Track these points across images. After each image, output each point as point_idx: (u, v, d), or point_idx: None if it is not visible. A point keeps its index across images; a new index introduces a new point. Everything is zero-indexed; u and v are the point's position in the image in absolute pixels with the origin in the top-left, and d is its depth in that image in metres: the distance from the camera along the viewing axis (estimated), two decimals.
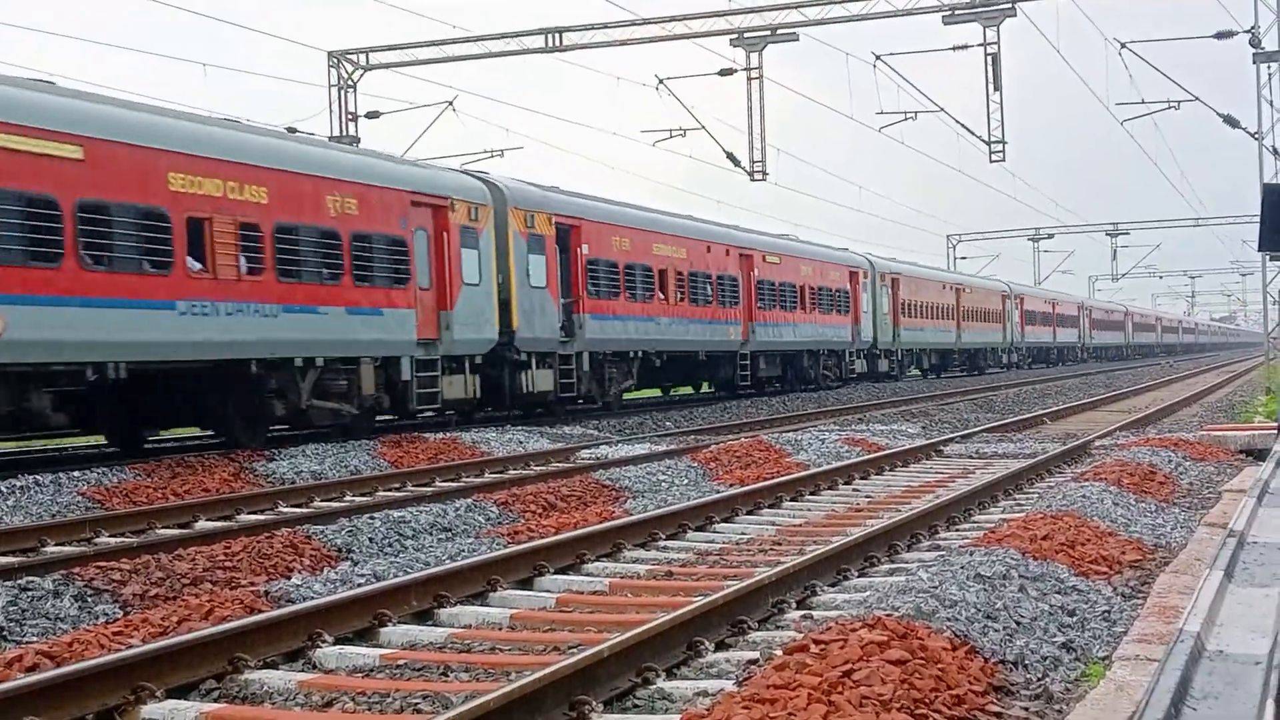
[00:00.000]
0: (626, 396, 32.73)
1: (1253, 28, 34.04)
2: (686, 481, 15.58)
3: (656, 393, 39.09)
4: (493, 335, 24.59)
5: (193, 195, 17.94)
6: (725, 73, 37.04)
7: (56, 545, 11.60)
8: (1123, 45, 36.68)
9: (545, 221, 26.70)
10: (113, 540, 11.82)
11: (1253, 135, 35.39)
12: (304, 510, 13.76)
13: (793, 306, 39.89)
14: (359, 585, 8.64)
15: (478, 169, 27.86)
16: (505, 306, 25.01)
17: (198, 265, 18.08)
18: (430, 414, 24.19)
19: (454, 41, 37.74)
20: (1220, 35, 35.40)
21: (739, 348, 36.15)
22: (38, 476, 15.12)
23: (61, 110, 16.48)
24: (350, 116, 39.04)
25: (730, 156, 37.63)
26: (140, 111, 18.21)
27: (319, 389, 20.67)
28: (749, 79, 36.70)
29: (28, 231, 15.64)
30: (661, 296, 31.42)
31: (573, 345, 27.57)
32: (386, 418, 24.49)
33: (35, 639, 7.67)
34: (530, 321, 25.82)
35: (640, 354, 30.89)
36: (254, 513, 13.79)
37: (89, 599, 8.65)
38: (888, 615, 6.48)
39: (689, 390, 39.52)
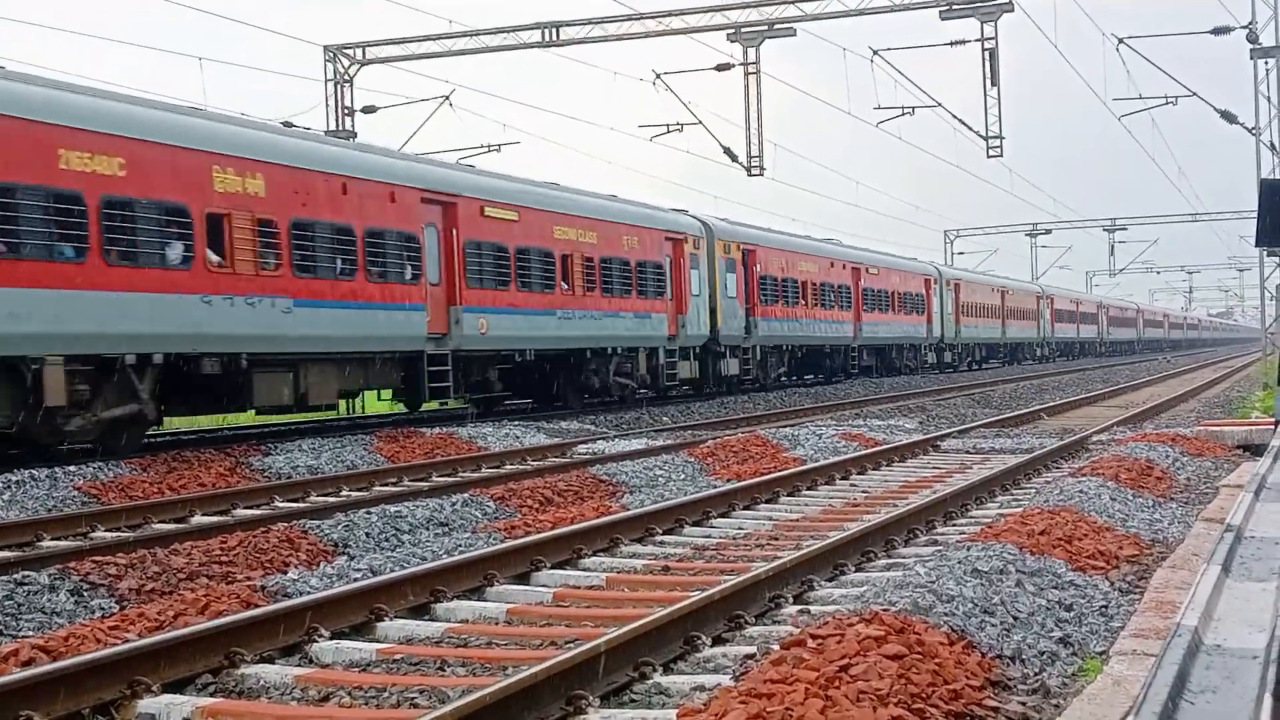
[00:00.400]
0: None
1: (1250, 23, 34.05)
2: (683, 477, 15.58)
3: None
4: (706, 333, 33.92)
5: (568, 241, 27.85)
6: (722, 68, 37.00)
7: (52, 540, 11.59)
8: (1120, 41, 36.69)
9: (735, 248, 36.34)
10: (109, 535, 11.82)
11: (1250, 130, 35.40)
12: (300, 505, 13.75)
13: (886, 309, 49.50)
14: (355, 580, 8.63)
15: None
16: (712, 312, 34.25)
17: (565, 285, 27.54)
18: (672, 387, 33.58)
19: (451, 36, 37.70)
20: (1218, 31, 35.39)
21: (850, 342, 45.70)
22: (33, 471, 15.10)
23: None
24: (347, 111, 39.01)
25: (728, 151, 37.62)
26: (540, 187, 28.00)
27: (617, 370, 30.23)
28: (746, 74, 36.68)
29: (499, 270, 25.21)
30: (803, 302, 40.97)
31: (750, 340, 36.72)
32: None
33: (31, 633, 7.64)
34: (727, 323, 35.17)
35: (790, 347, 40.48)
36: (250, 507, 13.78)
37: (85, 593, 8.64)
38: (885, 610, 6.48)
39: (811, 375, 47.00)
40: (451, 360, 23.76)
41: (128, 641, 6.84)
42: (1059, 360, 75.81)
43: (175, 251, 17.78)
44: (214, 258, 18.40)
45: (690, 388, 35.04)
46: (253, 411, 22.12)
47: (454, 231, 23.90)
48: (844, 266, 45.23)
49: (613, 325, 29.45)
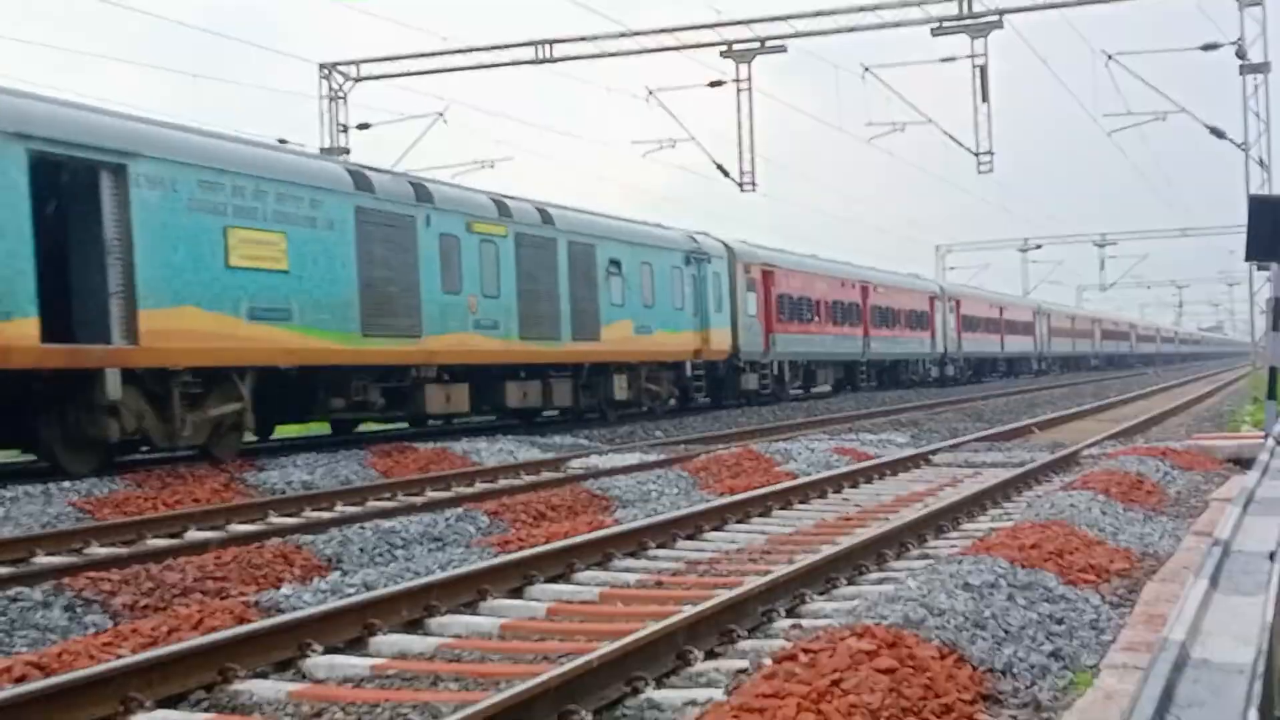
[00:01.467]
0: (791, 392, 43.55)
1: (1238, 39, 34.19)
2: (676, 491, 15.60)
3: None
4: (728, 348, 35.74)
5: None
6: (715, 84, 37.15)
7: (46, 556, 11.58)
8: (1110, 57, 36.83)
9: (755, 269, 38.39)
10: (103, 550, 11.82)
11: (1239, 146, 35.50)
12: (294, 520, 13.75)
13: (894, 325, 51.89)
14: (349, 595, 8.64)
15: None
16: (733, 329, 36.10)
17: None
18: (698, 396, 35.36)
19: (445, 53, 37.82)
20: (1206, 47, 35.53)
21: (859, 356, 48.04)
22: (28, 487, 15.09)
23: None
24: (341, 128, 39.08)
25: (720, 167, 37.75)
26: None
27: (648, 378, 31.71)
28: (738, 90, 36.84)
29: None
30: (817, 320, 43.52)
31: (768, 356, 38.70)
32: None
33: (24, 650, 7.65)
34: (747, 339, 37.08)
35: (805, 362, 42.61)
36: (244, 523, 13.78)
37: (78, 609, 8.64)
38: (876, 624, 6.50)
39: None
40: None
41: (121, 658, 6.85)
42: (1053, 374, 77.43)
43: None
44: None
45: (709, 398, 36.50)
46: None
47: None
48: (854, 285, 47.65)
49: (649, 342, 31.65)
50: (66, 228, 17.01)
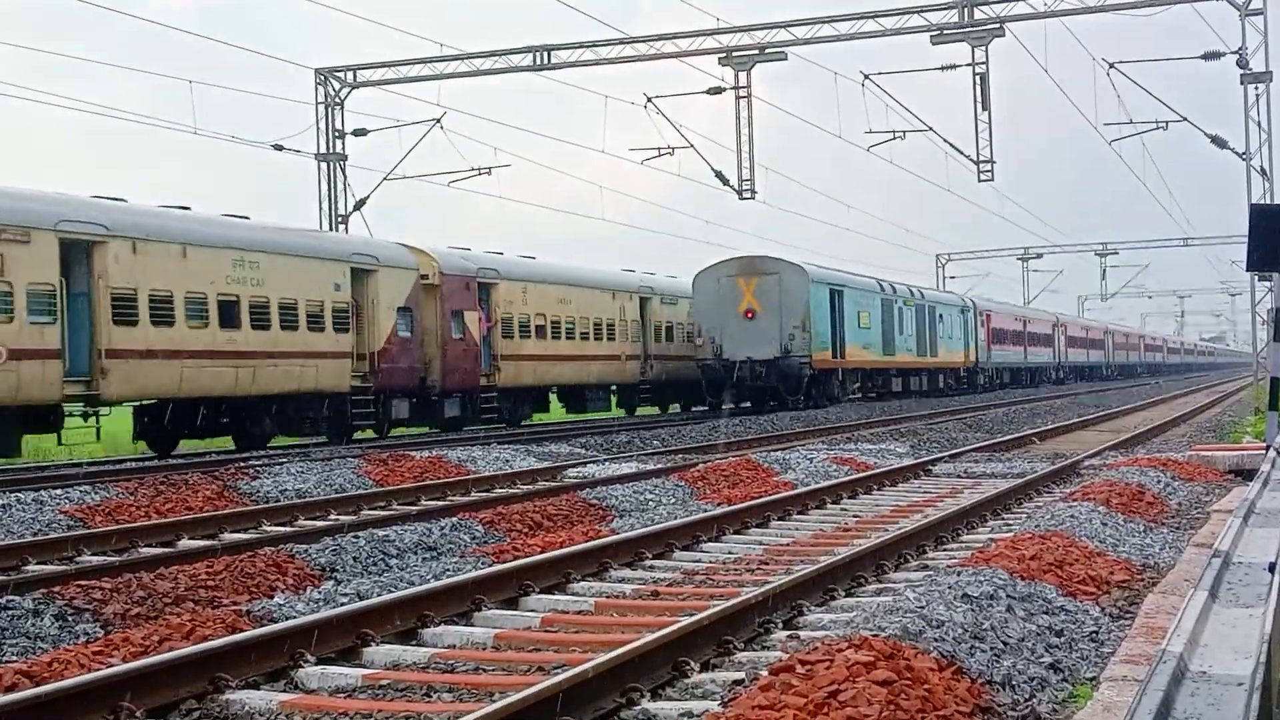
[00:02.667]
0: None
1: (1240, 49, 34.16)
2: (673, 500, 15.53)
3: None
4: (973, 361, 56.84)
5: None
6: (714, 91, 37.09)
7: (37, 564, 11.52)
8: (1111, 65, 36.80)
9: (984, 313, 59.79)
10: (94, 559, 11.75)
11: (1240, 156, 35.44)
12: (288, 529, 13.69)
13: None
14: (342, 605, 8.58)
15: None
16: (975, 349, 56.97)
17: None
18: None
19: (442, 59, 37.78)
20: (1208, 56, 35.51)
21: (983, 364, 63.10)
22: (19, 495, 15.03)
23: None
24: (338, 134, 39.04)
25: (719, 175, 37.68)
26: None
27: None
28: (737, 98, 36.77)
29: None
30: (1010, 343, 65.93)
31: (987, 364, 59.84)
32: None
33: (14, 658, 7.58)
34: (982, 356, 61.69)
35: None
36: (237, 531, 13.71)
37: (69, 618, 8.57)
38: (874, 635, 6.43)
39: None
40: None
41: (112, 667, 6.78)
42: (1069, 383, 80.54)
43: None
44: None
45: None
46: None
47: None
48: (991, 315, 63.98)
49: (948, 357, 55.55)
50: None
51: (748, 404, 41.22)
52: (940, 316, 54.94)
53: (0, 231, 20.69)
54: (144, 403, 24.68)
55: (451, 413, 31.47)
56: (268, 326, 25.59)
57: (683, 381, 43.31)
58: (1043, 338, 76.86)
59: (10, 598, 8.73)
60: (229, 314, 24.77)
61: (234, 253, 25.08)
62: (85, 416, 23.13)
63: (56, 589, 9.09)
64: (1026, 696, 6.21)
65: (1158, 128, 40.27)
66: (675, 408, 45.71)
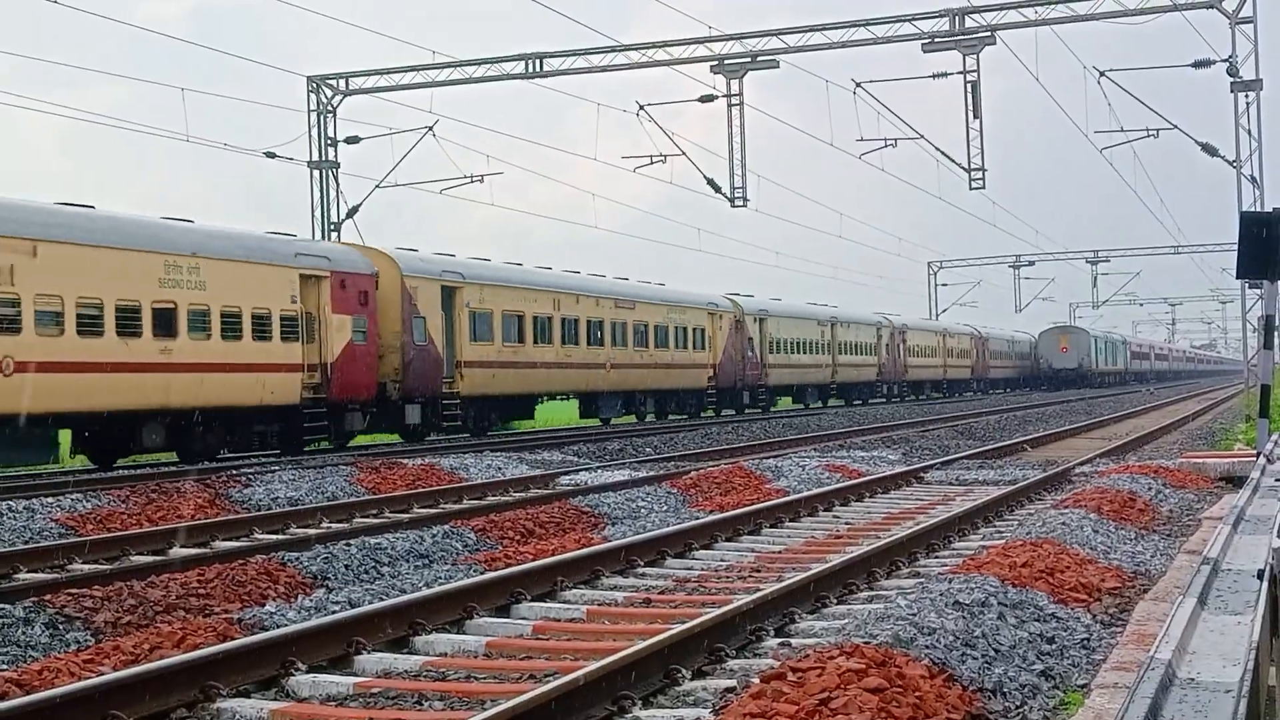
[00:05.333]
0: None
1: (1230, 57, 34.25)
2: (666, 508, 15.53)
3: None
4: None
5: None
6: (706, 99, 37.13)
7: (29, 572, 11.49)
8: (1101, 74, 36.89)
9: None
10: (85, 567, 11.73)
11: (1231, 164, 35.51)
12: (279, 537, 13.67)
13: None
14: (333, 613, 8.57)
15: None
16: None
17: None
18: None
19: (434, 67, 37.80)
20: (1198, 64, 35.59)
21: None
22: (10, 503, 14.99)
23: None
24: (330, 141, 39.03)
25: (711, 183, 37.71)
26: None
27: None
28: (729, 105, 36.82)
29: None
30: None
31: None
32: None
33: (5, 667, 7.56)
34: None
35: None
36: (229, 539, 13.69)
37: (60, 626, 8.56)
38: (866, 643, 6.44)
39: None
40: None
41: (102, 675, 6.77)
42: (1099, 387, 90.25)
43: None
44: None
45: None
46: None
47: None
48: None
49: None
50: None
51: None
52: None
53: None
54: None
55: (413, 420, 30.20)
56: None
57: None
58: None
59: (1, 606, 8.71)
60: (164, 323, 23.16)
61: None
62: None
63: (47, 597, 9.09)
64: (1018, 704, 6.22)
65: (1148, 135, 40.37)
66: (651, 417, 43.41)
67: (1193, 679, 3.77)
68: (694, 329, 45.02)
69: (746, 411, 48.30)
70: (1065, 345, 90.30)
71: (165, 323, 23.24)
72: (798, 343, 54.12)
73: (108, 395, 22.22)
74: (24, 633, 8.34)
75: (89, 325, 21.92)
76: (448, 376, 31.25)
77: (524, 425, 39.19)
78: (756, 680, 6.10)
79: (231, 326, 24.65)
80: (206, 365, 24.09)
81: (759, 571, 10.76)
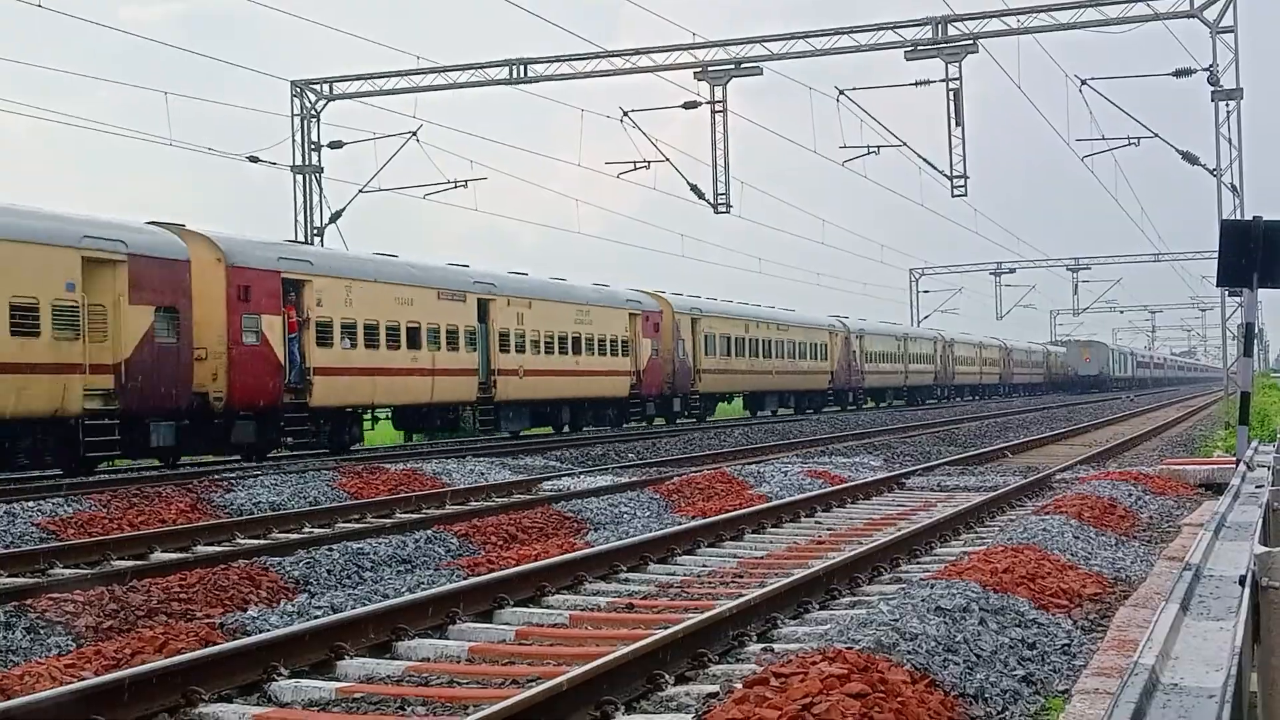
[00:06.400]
0: None
1: (1211, 66, 34.42)
2: (648, 513, 15.54)
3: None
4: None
5: None
6: (690, 106, 37.19)
7: (9, 576, 11.45)
8: (1083, 82, 37.04)
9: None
10: (66, 572, 11.68)
11: (1211, 172, 35.69)
12: (261, 542, 13.64)
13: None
14: (316, 618, 8.56)
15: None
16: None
17: None
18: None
19: (418, 72, 37.78)
20: (1179, 73, 35.77)
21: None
22: None
23: None
24: (313, 146, 38.97)
25: (695, 189, 37.76)
26: None
27: None
28: (713, 112, 36.86)
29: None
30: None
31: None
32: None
33: None
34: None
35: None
36: (211, 544, 13.65)
37: (41, 631, 8.52)
38: (848, 648, 6.46)
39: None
40: None
41: (83, 680, 6.75)
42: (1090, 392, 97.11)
43: None
44: None
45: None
46: None
47: None
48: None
49: None
50: None
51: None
52: None
53: None
54: None
55: (242, 437, 25.65)
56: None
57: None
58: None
59: None
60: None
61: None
62: None
63: (28, 601, 9.04)
64: (999, 709, 6.25)
65: (1129, 144, 40.54)
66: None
67: (1176, 684, 3.79)
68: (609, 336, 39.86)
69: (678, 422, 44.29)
70: (1088, 356, 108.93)
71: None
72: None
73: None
74: (5, 637, 8.30)
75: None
76: (294, 383, 26.63)
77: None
78: (740, 685, 6.11)
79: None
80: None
81: (742, 577, 10.77)
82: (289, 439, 26.57)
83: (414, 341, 30.16)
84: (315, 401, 26.96)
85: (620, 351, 40.26)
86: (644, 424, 42.12)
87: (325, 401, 27.37)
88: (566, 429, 37.81)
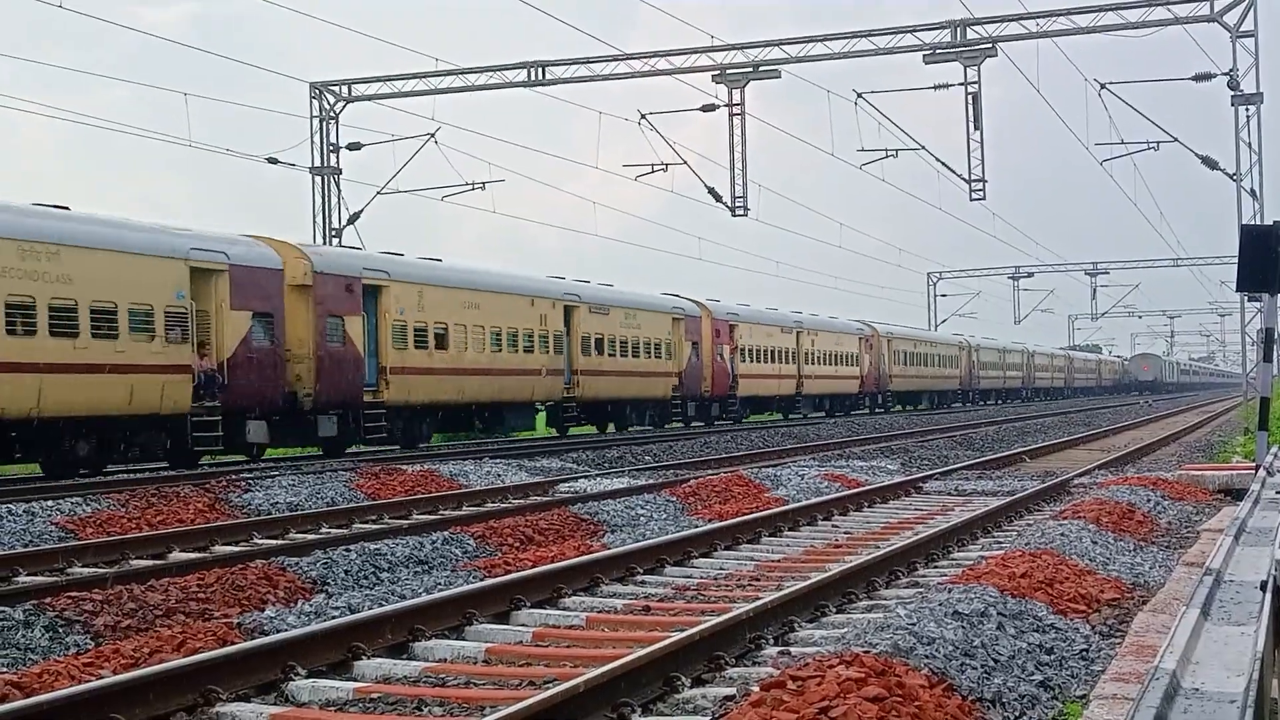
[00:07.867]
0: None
1: (1231, 70, 34.33)
2: (665, 516, 15.53)
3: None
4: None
5: None
6: (707, 108, 37.20)
7: (28, 575, 11.49)
8: (1102, 86, 36.95)
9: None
10: (85, 571, 11.72)
11: (1231, 177, 35.60)
12: (279, 542, 13.67)
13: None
14: (333, 618, 8.57)
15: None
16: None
17: None
18: None
19: (437, 74, 37.86)
20: (1199, 78, 35.69)
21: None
22: (10, 506, 14.98)
23: None
24: (332, 148, 39.07)
25: (712, 192, 37.78)
26: None
27: None
28: (731, 115, 36.88)
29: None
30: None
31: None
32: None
33: (5, 669, 7.56)
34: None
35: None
36: (229, 544, 13.69)
37: (60, 630, 8.56)
38: (865, 652, 6.44)
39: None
40: None
41: (102, 679, 6.77)
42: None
43: None
44: None
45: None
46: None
47: None
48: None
49: None
50: None
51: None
52: None
53: None
54: None
55: (327, 432, 27.31)
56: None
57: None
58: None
59: (1, 609, 8.71)
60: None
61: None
62: None
63: (47, 600, 9.08)
64: (1017, 714, 6.22)
65: (1149, 148, 40.47)
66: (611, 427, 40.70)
67: (1197, 689, 3.78)
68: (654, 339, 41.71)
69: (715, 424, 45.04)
70: (1146, 366, 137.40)
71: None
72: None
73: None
74: (24, 635, 8.34)
75: None
76: (370, 383, 28.69)
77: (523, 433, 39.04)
78: (756, 688, 6.10)
79: (103, 324, 21.99)
80: (70, 366, 21.45)
81: (758, 580, 10.76)
82: (367, 435, 28.48)
83: (507, 345, 33.35)
84: (390, 399, 28.90)
85: (665, 354, 42.39)
86: (682, 425, 43.49)
87: (398, 399, 29.27)
88: (612, 428, 40.28)
